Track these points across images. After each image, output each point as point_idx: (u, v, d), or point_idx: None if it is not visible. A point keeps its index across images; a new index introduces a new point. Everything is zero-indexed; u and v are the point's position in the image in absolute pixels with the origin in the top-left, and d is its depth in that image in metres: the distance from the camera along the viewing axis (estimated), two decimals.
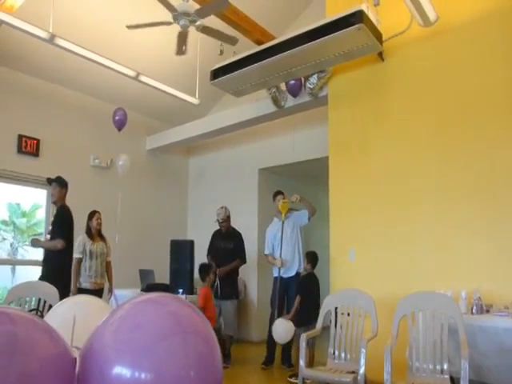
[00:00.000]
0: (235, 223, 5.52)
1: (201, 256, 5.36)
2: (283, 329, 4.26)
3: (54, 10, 4.20)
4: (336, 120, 4.73)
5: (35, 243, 4.68)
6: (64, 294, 3.67)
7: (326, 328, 3.59)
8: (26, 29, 4.04)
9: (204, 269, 4.88)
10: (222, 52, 4.70)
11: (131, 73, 5.12)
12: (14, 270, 11.95)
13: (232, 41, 4.35)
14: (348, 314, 3.48)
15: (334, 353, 3.44)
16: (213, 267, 4.93)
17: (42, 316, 2.87)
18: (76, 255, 4.69)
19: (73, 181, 6.20)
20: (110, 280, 4.99)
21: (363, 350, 3.01)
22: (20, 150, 5.79)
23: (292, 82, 5.11)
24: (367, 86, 4.50)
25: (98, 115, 6.59)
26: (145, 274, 5.84)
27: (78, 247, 4.72)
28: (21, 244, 15.91)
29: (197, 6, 4.00)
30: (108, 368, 1.21)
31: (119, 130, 6.14)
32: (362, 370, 2.99)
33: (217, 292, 5.02)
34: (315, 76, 4.74)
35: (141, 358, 1.20)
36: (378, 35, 3.43)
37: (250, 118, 5.96)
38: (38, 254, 5.23)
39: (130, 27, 4.20)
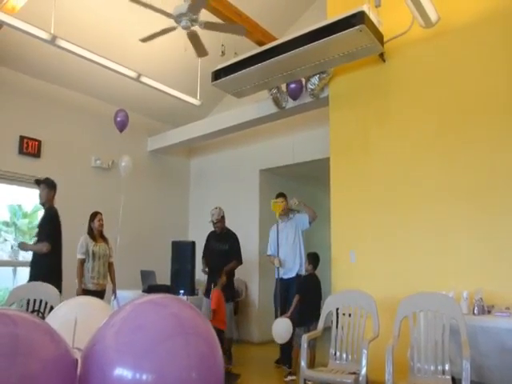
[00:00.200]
0: (236, 224, 5.50)
1: None
2: (281, 328, 4.26)
3: (55, 11, 4.21)
4: (337, 121, 4.73)
5: (23, 247, 4.57)
6: None
7: (327, 329, 3.59)
8: (27, 30, 4.04)
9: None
10: (223, 53, 4.70)
11: (133, 74, 5.13)
12: (15, 272, 11.93)
13: (239, 30, 4.24)
14: (349, 315, 3.48)
15: (335, 353, 3.44)
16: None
17: (43, 317, 2.87)
18: (79, 256, 4.68)
19: (74, 182, 6.24)
20: (112, 281, 4.98)
21: (365, 351, 3.01)
22: (21, 151, 5.79)
23: (292, 85, 5.10)
24: (368, 86, 4.50)
25: (99, 116, 6.60)
26: (146, 275, 5.85)
27: (81, 248, 4.70)
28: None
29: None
30: (109, 369, 1.20)
31: (121, 131, 6.16)
32: (363, 371, 2.98)
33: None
34: (316, 77, 4.74)
35: (142, 360, 1.20)
36: (379, 36, 3.42)
37: (251, 119, 5.95)
38: None
39: (143, 40, 4.23)
